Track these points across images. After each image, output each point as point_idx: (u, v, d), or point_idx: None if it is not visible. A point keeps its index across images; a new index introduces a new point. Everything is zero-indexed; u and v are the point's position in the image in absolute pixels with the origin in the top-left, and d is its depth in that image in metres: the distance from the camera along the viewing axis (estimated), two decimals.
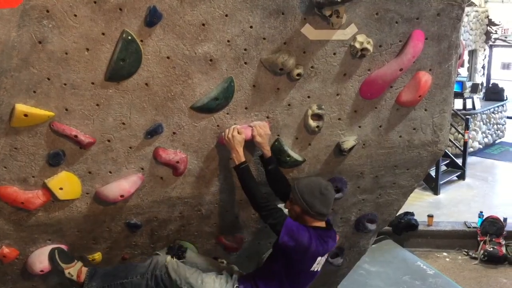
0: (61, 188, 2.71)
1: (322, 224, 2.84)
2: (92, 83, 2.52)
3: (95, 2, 2.36)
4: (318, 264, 2.86)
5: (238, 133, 2.78)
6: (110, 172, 2.77)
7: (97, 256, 3.14)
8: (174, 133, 2.77)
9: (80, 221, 2.91)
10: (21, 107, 2.43)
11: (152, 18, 2.45)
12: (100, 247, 3.12)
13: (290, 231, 2.70)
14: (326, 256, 2.91)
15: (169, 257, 2.92)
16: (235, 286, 2.86)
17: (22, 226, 2.81)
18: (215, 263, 3.17)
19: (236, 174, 2.85)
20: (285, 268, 2.81)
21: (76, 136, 2.58)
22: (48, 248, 2.93)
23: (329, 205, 2.82)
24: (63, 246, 2.96)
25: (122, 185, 2.78)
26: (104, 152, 2.71)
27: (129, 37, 2.45)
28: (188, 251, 3.12)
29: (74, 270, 2.88)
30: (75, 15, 2.35)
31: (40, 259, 2.92)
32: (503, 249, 6.67)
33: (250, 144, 2.89)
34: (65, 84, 2.47)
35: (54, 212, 2.81)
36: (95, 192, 2.80)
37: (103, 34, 2.43)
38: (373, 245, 5.64)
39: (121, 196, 2.79)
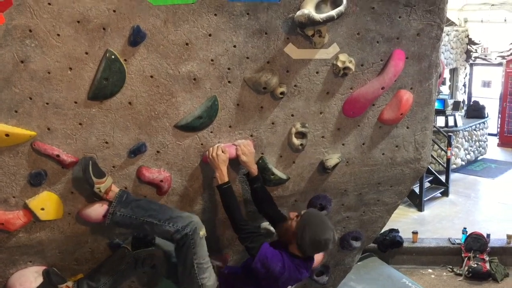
0: (42, 209, 2.67)
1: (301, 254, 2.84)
2: (75, 102, 2.51)
3: (78, 22, 2.36)
4: None
5: (222, 152, 2.78)
6: None
7: (79, 277, 3.08)
8: (158, 152, 2.76)
9: (62, 242, 2.87)
10: (2, 127, 2.40)
11: (136, 38, 2.46)
12: (83, 268, 3.07)
13: (263, 258, 2.71)
14: (296, 284, 2.91)
15: (204, 230, 2.76)
16: (216, 284, 2.84)
17: (2, 247, 2.76)
18: None
19: (221, 194, 2.84)
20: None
21: (58, 155, 2.56)
22: (29, 270, 2.88)
23: (319, 252, 2.85)
24: (43, 267, 2.91)
25: (105, 205, 2.74)
26: None
27: (113, 56, 2.45)
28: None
29: (104, 186, 2.67)
30: (58, 35, 2.35)
31: (20, 281, 2.85)
32: (487, 265, 6.70)
33: (235, 163, 2.89)
34: (47, 104, 2.46)
35: (35, 233, 2.76)
36: (78, 212, 2.77)
37: (86, 53, 2.43)
38: (358, 263, 5.65)
39: (104, 216, 2.76)
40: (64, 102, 2.49)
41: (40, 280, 2.90)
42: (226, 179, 2.80)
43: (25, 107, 2.43)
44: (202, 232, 2.74)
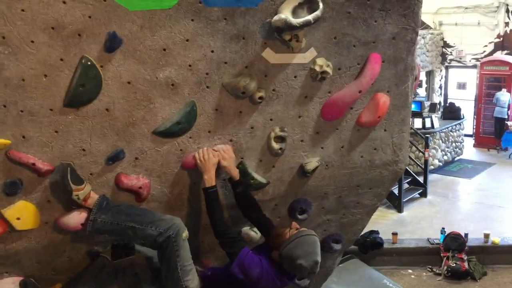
0: (18, 218, 2.61)
1: None
2: (51, 110, 2.47)
3: (53, 28, 2.33)
4: None
5: (213, 155, 2.78)
6: None
7: (58, 287, 3.03)
8: (136, 158, 2.74)
9: (39, 252, 2.81)
10: None
11: (112, 44, 2.43)
12: (61, 278, 3.01)
13: (241, 264, 2.71)
14: None
15: (186, 232, 2.74)
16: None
17: None
18: None
19: (207, 197, 2.83)
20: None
21: (34, 164, 2.51)
22: (5, 281, 2.82)
23: (292, 271, 2.82)
24: (20, 278, 2.85)
25: (83, 214, 2.70)
26: None
27: (89, 63, 2.42)
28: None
29: (83, 193, 2.62)
30: (32, 41, 2.32)
31: None
32: (466, 264, 6.81)
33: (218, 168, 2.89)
34: (22, 111, 2.42)
35: (11, 243, 2.70)
36: (55, 221, 2.72)
37: (61, 60, 2.39)
38: (339, 265, 5.66)
39: (82, 224, 2.72)
40: (39, 109, 2.44)
41: None
42: (214, 183, 2.80)
43: None
44: (185, 234, 2.72)
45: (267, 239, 2.95)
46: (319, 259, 2.76)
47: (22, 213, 2.62)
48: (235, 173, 2.89)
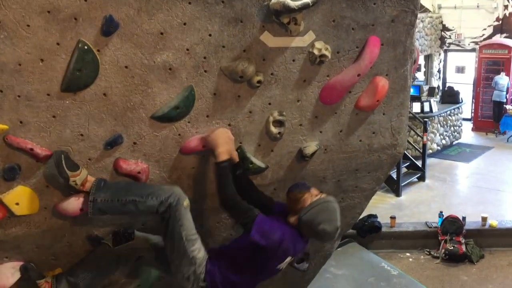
0: (17, 203, 2.61)
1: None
2: (48, 95, 2.45)
3: (48, 12, 2.30)
4: (285, 263, 2.86)
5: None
6: None
7: (57, 272, 3.04)
8: (134, 143, 2.73)
9: (38, 237, 2.82)
10: None
11: (109, 28, 2.41)
12: (61, 263, 3.03)
13: (261, 229, 2.68)
14: (294, 256, 2.92)
15: (187, 201, 2.72)
16: (205, 261, 2.81)
17: None
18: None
19: (216, 171, 2.80)
20: (250, 260, 2.80)
21: (31, 149, 2.50)
22: (5, 266, 2.83)
23: (311, 237, 2.85)
24: (20, 263, 2.87)
25: (81, 198, 2.70)
26: None
27: (85, 47, 2.40)
28: (136, 232, 2.98)
29: (80, 179, 2.62)
30: (28, 25, 2.29)
31: None
32: (463, 247, 6.87)
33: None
34: (19, 96, 2.40)
35: (10, 229, 2.71)
36: (54, 206, 2.72)
37: (58, 44, 2.37)
38: (338, 249, 5.73)
39: (81, 209, 2.72)
40: (36, 94, 2.43)
41: (17, 276, 2.86)
42: (228, 157, 2.77)
43: None
44: (186, 202, 2.70)
45: (289, 203, 2.90)
46: (340, 225, 2.78)
47: (21, 198, 2.62)
48: (235, 155, 2.89)
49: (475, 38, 14.41)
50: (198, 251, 2.75)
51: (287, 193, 2.89)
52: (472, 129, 13.85)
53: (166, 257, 2.82)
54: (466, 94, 13.84)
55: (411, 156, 9.65)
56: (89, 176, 2.68)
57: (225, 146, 2.77)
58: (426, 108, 10.84)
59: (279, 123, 2.97)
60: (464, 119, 12.95)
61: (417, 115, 10.07)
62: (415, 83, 12.04)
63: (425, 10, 14.01)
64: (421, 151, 9.80)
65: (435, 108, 11.12)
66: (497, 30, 14.03)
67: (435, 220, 7.34)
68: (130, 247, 2.92)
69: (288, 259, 2.84)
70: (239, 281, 2.83)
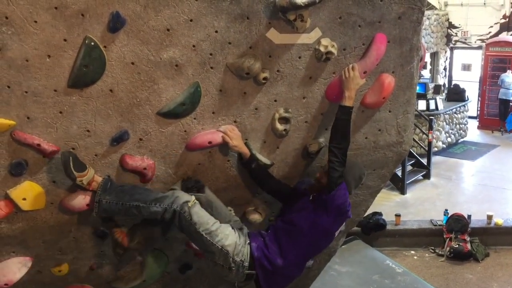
0: (24, 199, 2.64)
1: None
2: (55, 90, 2.46)
3: (56, 8, 2.31)
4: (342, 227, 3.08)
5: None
6: None
7: (64, 267, 3.06)
8: (140, 139, 2.74)
9: (45, 232, 2.84)
10: None
11: (115, 24, 2.42)
12: (67, 258, 3.05)
13: (345, 193, 2.86)
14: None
15: (193, 198, 2.75)
16: (247, 243, 2.83)
17: None
18: (226, 210, 3.05)
19: (340, 114, 2.84)
20: (311, 227, 2.85)
21: (39, 144, 2.52)
22: (12, 261, 2.85)
23: (358, 185, 3.12)
24: (27, 258, 2.89)
25: (87, 196, 2.72)
26: None
27: (92, 43, 2.41)
28: (206, 188, 2.97)
29: (87, 179, 2.65)
30: (36, 21, 2.30)
31: (4, 272, 2.83)
32: (468, 246, 6.85)
33: (224, 148, 2.91)
34: (26, 92, 2.42)
35: (17, 223, 2.73)
36: (60, 201, 2.74)
37: (65, 40, 2.38)
38: (343, 246, 5.72)
39: (87, 205, 2.74)
40: (44, 90, 2.44)
41: (24, 270, 2.88)
42: (353, 104, 2.85)
43: (3, 96, 2.38)
44: (191, 202, 2.71)
45: (312, 189, 3.02)
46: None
47: (28, 193, 2.64)
48: (246, 150, 2.90)
49: (481, 35, 14.32)
50: (225, 239, 2.74)
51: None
52: (478, 127, 13.77)
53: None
54: (472, 92, 13.76)
55: (417, 154, 9.61)
56: (96, 176, 2.70)
57: (355, 90, 2.85)
58: (432, 106, 10.79)
59: (285, 120, 2.97)
60: (470, 117, 12.88)
61: (422, 113, 10.02)
62: (421, 80, 11.99)
63: (432, 7, 13.94)
64: (426, 149, 9.77)
65: (440, 106, 11.07)
66: (504, 27, 13.93)
67: (440, 218, 7.32)
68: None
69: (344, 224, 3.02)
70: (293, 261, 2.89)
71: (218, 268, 2.82)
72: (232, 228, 2.84)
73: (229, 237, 2.76)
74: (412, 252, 7.10)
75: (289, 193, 3.09)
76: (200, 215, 2.72)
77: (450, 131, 11.61)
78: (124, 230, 2.95)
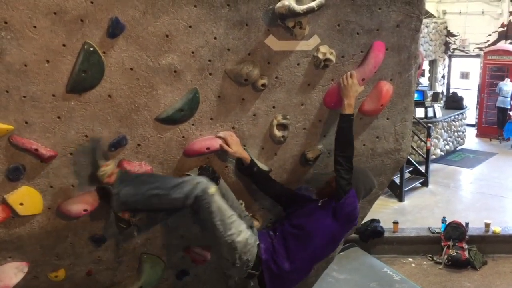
0: (21, 204, 2.63)
1: None
2: (53, 95, 2.46)
3: (55, 13, 2.32)
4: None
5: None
6: (73, 186, 2.71)
7: (60, 272, 3.05)
8: (138, 145, 2.74)
9: (42, 237, 2.83)
10: None
11: (115, 29, 2.42)
12: (64, 263, 3.04)
13: (354, 201, 2.88)
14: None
15: (215, 187, 2.66)
16: (256, 243, 2.80)
17: None
18: (238, 203, 3.00)
19: (341, 122, 2.87)
20: (320, 233, 2.87)
21: (36, 149, 2.52)
22: (8, 266, 2.84)
23: (366, 196, 3.17)
24: (23, 264, 2.87)
25: (86, 199, 2.71)
26: (66, 165, 2.65)
27: (91, 49, 2.42)
28: (221, 179, 2.92)
29: (110, 169, 2.60)
30: (35, 27, 2.31)
31: (0, 277, 2.82)
32: (466, 254, 6.83)
33: (222, 154, 2.91)
34: (24, 97, 2.42)
35: (14, 229, 2.72)
36: (58, 206, 2.73)
37: (64, 45, 2.39)
38: (340, 253, 5.71)
39: (85, 210, 2.73)
40: (42, 95, 2.44)
41: (20, 276, 2.87)
42: (353, 111, 2.87)
43: (2, 100, 2.38)
44: (212, 189, 2.63)
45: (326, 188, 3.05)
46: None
47: (25, 198, 2.63)
48: (246, 155, 2.89)
49: (479, 44, 14.39)
50: (237, 235, 2.69)
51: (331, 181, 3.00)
52: (476, 135, 13.81)
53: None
54: (470, 100, 13.82)
55: (415, 161, 9.62)
56: (116, 169, 2.65)
57: (354, 97, 2.88)
58: (430, 114, 10.82)
59: (283, 127, 2.97)
60: (468, 125, 12.92)
61: (420, 120, 10.05)
62: (419, 88, 12.02)
63: (430, 15, 14.01)
64: (424, 156, 9.77)
65: (439, 114, 11.10)
66: (502, 36, 14.00)
67: (438, 226, 7.31)
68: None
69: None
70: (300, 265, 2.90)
71: (223, 261, 2.80)
72: (247, 227, 2.78)
73: (242, 234, 2.71)
74: (410, 259, 7.08)
75: (292, 197, 3.09)
76: (219, 205, 2.64)
77: (448, 138, 11.63)
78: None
